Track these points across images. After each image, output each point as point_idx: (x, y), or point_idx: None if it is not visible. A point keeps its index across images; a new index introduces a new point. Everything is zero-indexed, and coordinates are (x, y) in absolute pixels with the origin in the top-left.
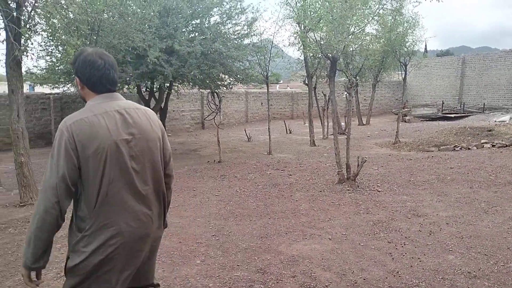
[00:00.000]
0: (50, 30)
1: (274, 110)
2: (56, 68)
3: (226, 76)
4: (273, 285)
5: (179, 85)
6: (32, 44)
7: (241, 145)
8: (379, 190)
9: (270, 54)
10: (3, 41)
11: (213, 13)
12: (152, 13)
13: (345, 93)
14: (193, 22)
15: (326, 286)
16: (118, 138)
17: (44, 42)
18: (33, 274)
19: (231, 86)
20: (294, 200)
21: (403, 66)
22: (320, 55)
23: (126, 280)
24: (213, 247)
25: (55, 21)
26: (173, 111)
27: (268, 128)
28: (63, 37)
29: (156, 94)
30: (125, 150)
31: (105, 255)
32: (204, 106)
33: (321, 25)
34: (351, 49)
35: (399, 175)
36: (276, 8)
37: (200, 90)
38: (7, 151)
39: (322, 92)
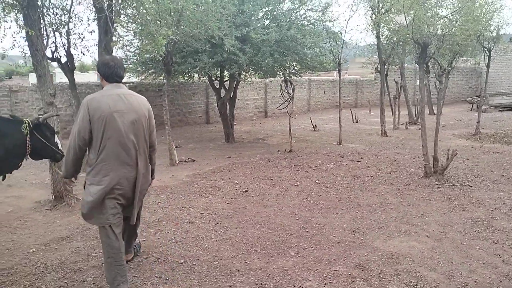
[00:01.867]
0: (140, 21)
1: (338, 98)
2: (134, 59)
3: (294, 64)
4: (376, 282)
5: (247, 74)
6: (118, 34)
7: (307, 134)
8: (471, 185)
9: (343, 40)
10: (91, 32)
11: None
12: (230, 2)
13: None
14: (265, 9)
15: (435, 287)
16: (113, 111)
17: (134, 32)
18: None
19: (300, 74)
20: (379, 194)
21: (487, 51)
22: (394, 40)
23: (116, 203)
24: (304, 239)
25: (145, 11)
26: (238, 99)
27: (339, 117)
28: (152, 28)
29: (226, 84)
30: (119, 119)
31: (104, 181)
32: (267, 94)
33: (407, 8)
34: (441, 33)
35: (489, 169)
36: None
37: (268, 79)
38: None
39: (394, 79)
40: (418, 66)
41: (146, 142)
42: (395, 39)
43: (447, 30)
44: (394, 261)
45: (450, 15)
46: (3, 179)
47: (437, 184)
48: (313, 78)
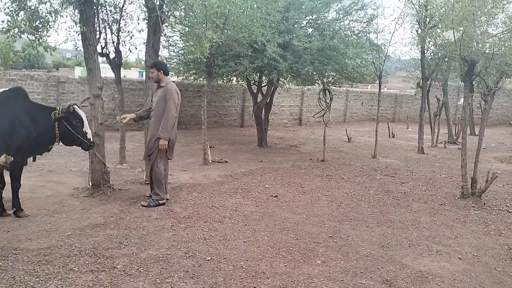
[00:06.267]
0: (187, 23)
1: (375, 111)
2: (177, 59)
3: (334, 73)
4: None
5: (285, 80)
6: (165, 34)
7: (341, 145)
8: (509, 210)
9: (387, 52)
10: (140, 31)
11: (330, 9)
12: (275, 9)
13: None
14: (308, 17)
15: None
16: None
17: (180, 33)
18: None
19: (338, 84)
20: (412, 211)
21: None
22: (439, 56)
23: None
24: (332, 249)
25: (192, 14)
26: (273, 105)
27: (376, 130)
28: (199, 31)
29: (263, 89)
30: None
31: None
32: (304, 102)
33: (456, 24)
34: (490, 51)
35: None
36: (398, 5)
37: (305, 87)
38: (127, 131)
39: (436, 96)
40: (463, 84)
41: None
42: (440, 55)
43: (496, 49)
44: (423, 280)
45: (500, 34)
46: (34, 160)
47: (473, 207)
48: (351, 89)
